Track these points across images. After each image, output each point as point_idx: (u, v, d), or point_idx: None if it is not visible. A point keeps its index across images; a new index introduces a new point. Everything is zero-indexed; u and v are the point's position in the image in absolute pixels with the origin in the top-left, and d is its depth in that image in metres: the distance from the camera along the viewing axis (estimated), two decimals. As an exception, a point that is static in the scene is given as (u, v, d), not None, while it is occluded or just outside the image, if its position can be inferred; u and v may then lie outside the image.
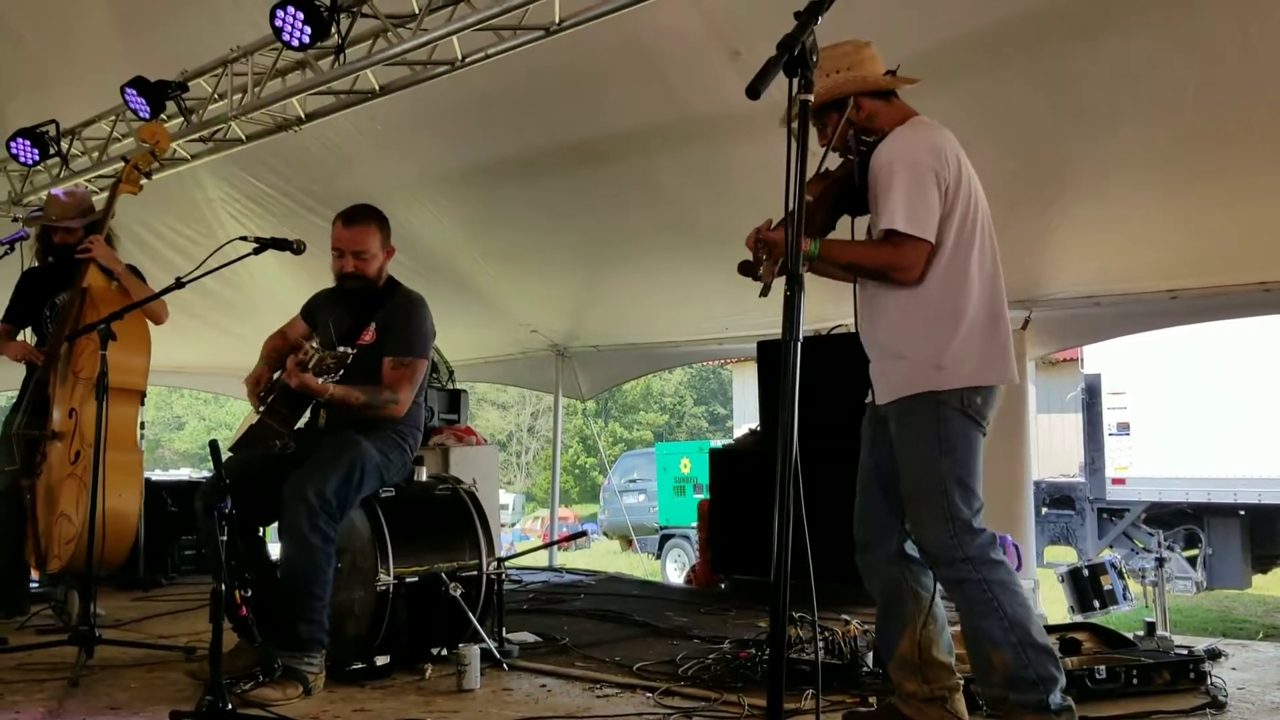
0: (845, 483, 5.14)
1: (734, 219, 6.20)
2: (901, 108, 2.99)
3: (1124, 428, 10.38)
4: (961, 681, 2.97)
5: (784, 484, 1.86)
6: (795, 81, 1.93)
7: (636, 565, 12.77)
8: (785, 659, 2.00)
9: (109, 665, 4.00)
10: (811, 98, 1.94)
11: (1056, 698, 2.68)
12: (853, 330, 5.73)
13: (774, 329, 6.94)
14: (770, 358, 5.89)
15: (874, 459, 3.06)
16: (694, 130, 5.53)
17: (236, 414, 34.34)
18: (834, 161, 3.03)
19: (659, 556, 15.82)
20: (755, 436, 6.06)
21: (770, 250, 2.69)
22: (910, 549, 2.97)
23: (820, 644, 3.63)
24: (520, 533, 22.86)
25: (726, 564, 6.01)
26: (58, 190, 5.43)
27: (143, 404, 5.17)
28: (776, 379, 6.25)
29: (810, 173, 2.80)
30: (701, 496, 14.27)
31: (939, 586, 2.93)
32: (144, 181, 5.18)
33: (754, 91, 1.84)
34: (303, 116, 5.58)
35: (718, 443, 8.57)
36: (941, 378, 2.79)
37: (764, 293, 2.69)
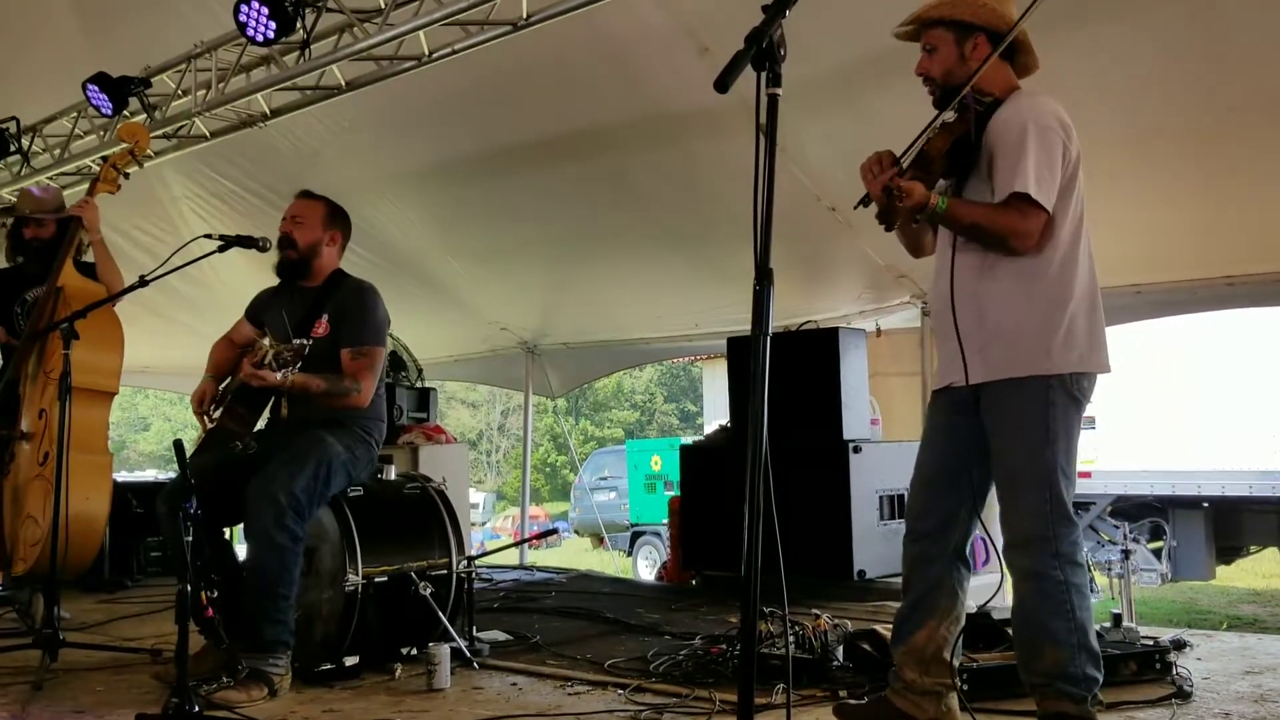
0: (815, 475, 5.22)
1: (702, 215, 6.27)
2: (1007, 74, 2.91)
3: (1089, 421, 10.47)
4: (956, 682, 2.98)
5: (754, 474, 1.86)
6: (763, 75, 1.93)
7: (608, 563, 12.76)
8: (756, 653, 1.99)
9: (74, 668, 3.95)
10: (780, 91, 1.93)
11: (1095, 696, 2.72)
12: (821, 326, 5.85)
13: (744, 325, 6.92)
14: (740, 353, 5.90)
15: (946, 447, 2.96)
16: (663, 127, 5.53)
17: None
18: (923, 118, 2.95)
19: (630, 554, 15.82)
20: (726, 432, 6.06)
21: (906, 199, 2.65)
22: (966, 549, 2.97)
23: (790, 638, 3.63)
24: (491, 531, 22.79)
25: (697, 560, 6.01)
26: (32, 187, 5.36)
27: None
28: (746, 374, 6.26)
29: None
30: (673, 493, 14.30)
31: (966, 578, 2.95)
32: (121, 181, 5.13)
33: (722, 85, 1.84)
34: (268, 113, 5.54)
35: (689, 440, 8.58)
36: (1053, 361, 2.73)
37: (890, 227, 2.75)
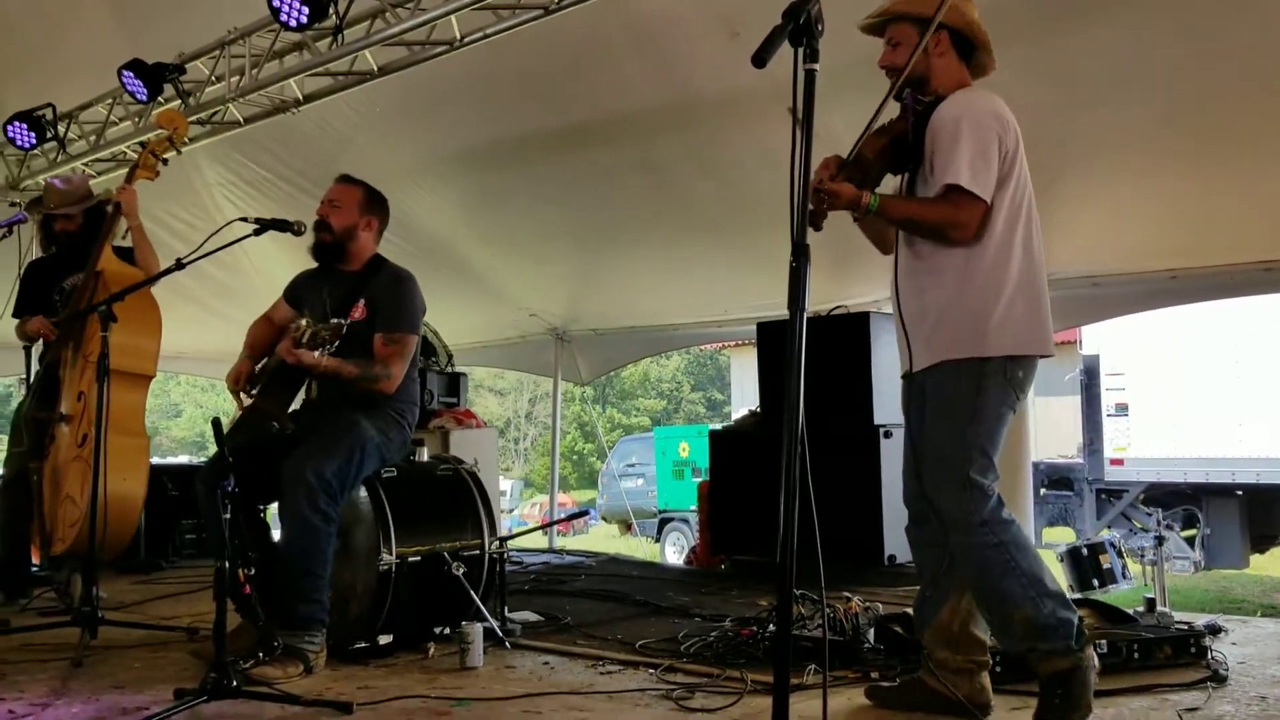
0: (846, 461, 5.21)
1: (733, 201, 6.26)
2: (960, 72, 2.98)
3: (1122, 409, 10.39)
4: (990, 660, 2.99)
5: (790, 449, 1.86)
6: (800, 51, 1.93)
7: (636, 548, 12.80)
8: (791, 632, 2.00)
9: (112, 646, 4.01)
10: (817, 67, 1.93)
11: (1079, 632, 2.76)
12: (851, 311, 5.83)
13: (773, 310, 6.95)
14: (771, 338, 5.90)
15: (915, 432, 3.04)
16: (692, 112, 5.53)
17: (233, 401, 34.29)
18: (884, 114, 3.00)
19: (658, 540, 15.84)
20: (755, 418, 6.06)
21: (833, 201, 2.75)
22: None
23: (822, 621, 3.64)
24: (519, 518, 22.87)
25: (727, 545, 6.03)
26: (54, 179, 5.41)
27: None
28: (777, 359, 6.26)
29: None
30: (700, 480, 14.32)
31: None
32: (160, 167, 5.18)
33: (760, 60, 1.84)
34: (300, 98, 5.57)
35: (712, 426, 8.58)
36: (986, 344, 2.81)
37: (817, 228, 2.77)
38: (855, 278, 6.62)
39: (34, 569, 5.59)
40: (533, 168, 6.52)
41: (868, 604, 3.88)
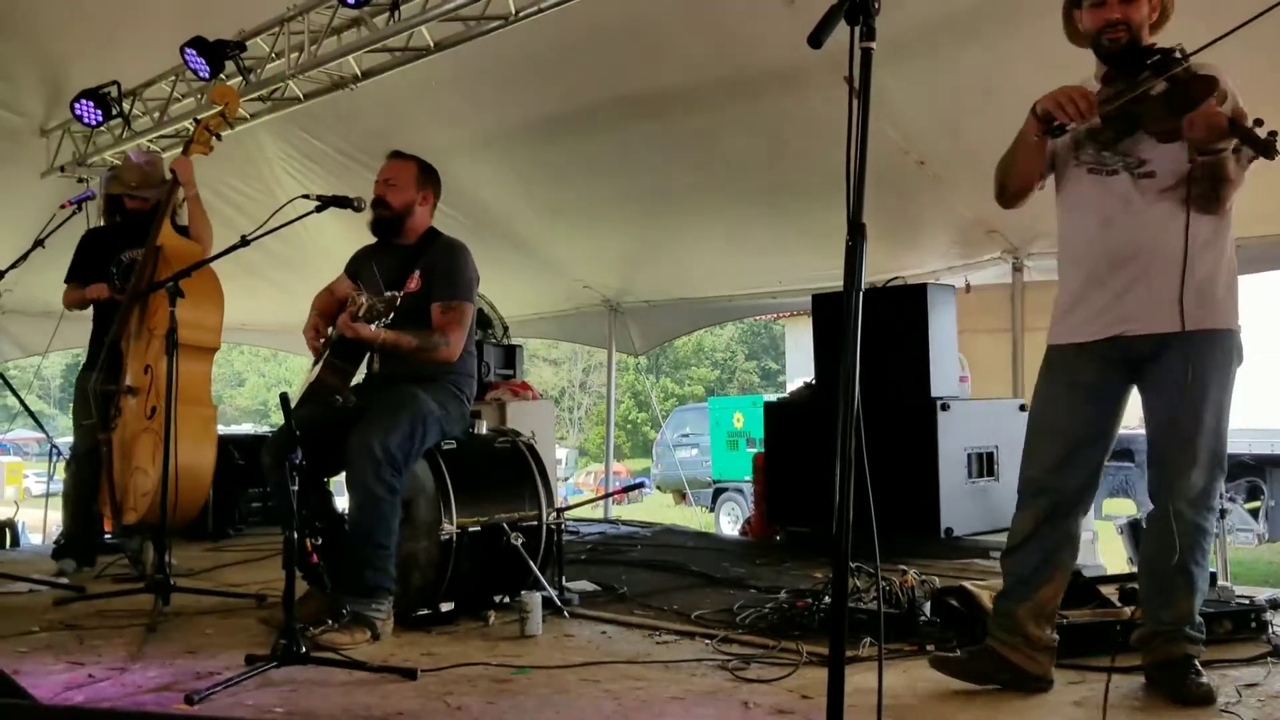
0: (903, 433, 5.19)
1: (786, 172, 6.23)
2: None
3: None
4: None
5: (846, 431, 1.88)
6: (857, 29, 1.93)
7: (690, 518, 12.86)
8: (847, 605, 2.02)
9: (184, 613, 4.14)
10: (874, 45, 1.92)
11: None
12: (909, 283, 5.79)
13: (828, 281, 6.93)
14: (826, 310, 5.88)
15: (1099, 402, 2.95)
16: (746, 83, 5.50)
17: (295, 370, 34.94)
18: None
19: (713, 510, 15.91)
20: (810, 390, 6.06)
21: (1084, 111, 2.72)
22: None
23: (877, 593, 3.65)
24: (573, 487, 23.07)
25: (782, 516, 6.05)
26: (138, 158, 5.51)
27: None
28: (832, 331, 6.24)
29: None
30: (755, 450, 14.32)
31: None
32: (214, 142, 5.27)
33: (816, 41, 1.84)
34: (358, 74, 5.63)
35: (767, 397, 8.59)
36: (1237, 316, 2.84)
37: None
38: (912, 249, 6.58)
39: (105, 537, 5.77)
40: (587, 141, 6.53)
41: (924, 577, 3.88)
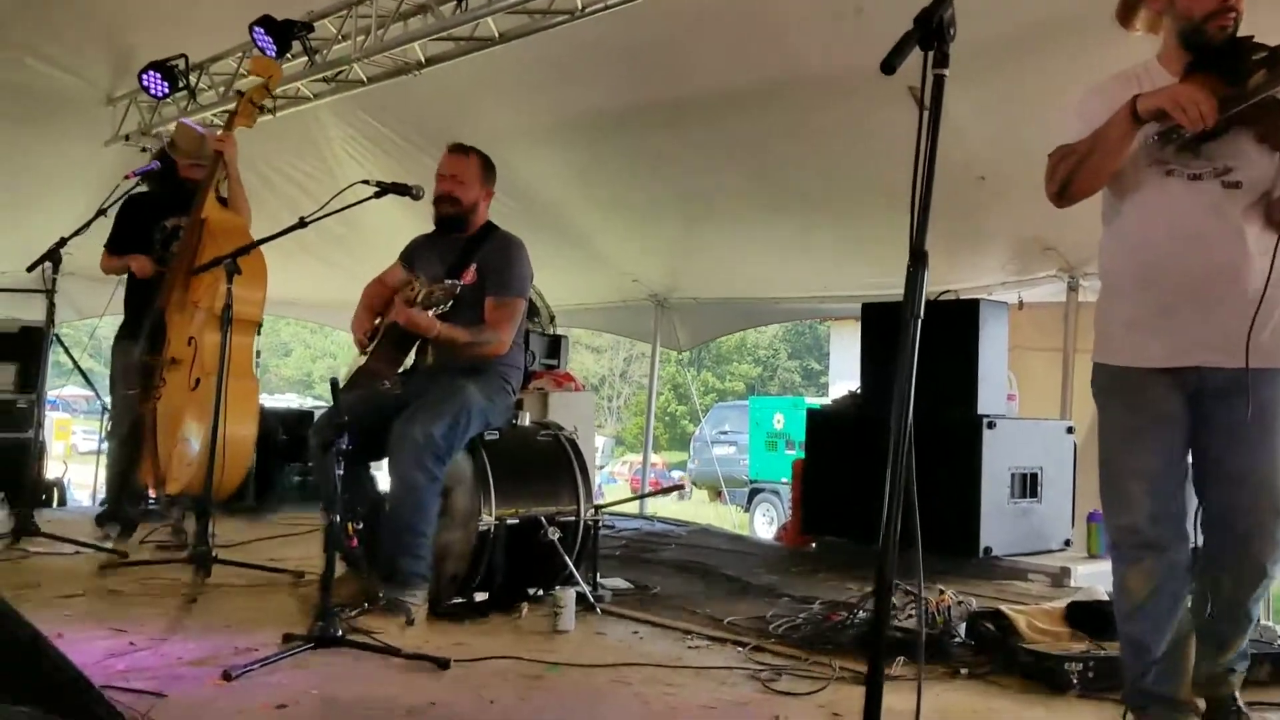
0: (946, 450, 5.14)
1: (836, 180, 6.21)
2: None
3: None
4: None
5: (896, 454, 1.86)
6: (930, 55, 1.90)
7: (725, 517, 12.84)
8: (886, 624, 2.00)
9: (223, 585, 4.20)
10: (946, 72, 1.90)
11: None
12: (961, 298, 5.73)
13: (877, 290, 6.86)
14: (876, 320, 5.83)
15: (1178, 437, 2.62)
16: (800, 88, 5.50)
17: (340, 342, 35.28)
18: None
19: (748, 510, 15.87)
20: (855, 399, 6.02)
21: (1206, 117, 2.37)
22: None
23: (911, 612, 3.63)
24: (609, 475, 23.13)
25: (818, 525, 6.01)
26: (197, 126, 5.58)
27: (258, 333, 5.38)
28: (881, 342, 6.16)
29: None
30: (794, 454, 14.25)
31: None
32: (261, 117, 5.31)
33: (889, 67, 1.82)
34: (423, 61, 5.66)
35: (812, 399, 8.52)
36: None
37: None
38: (967, 262, 6.52)
39: (147, 505, 5.87)
40: (643, 137, 6.54)
41: (960, 598, 3.85)
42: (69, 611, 3.67)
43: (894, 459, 1.85)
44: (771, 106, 5.75)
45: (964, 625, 3.66)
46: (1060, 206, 2.71)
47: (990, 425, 5.21)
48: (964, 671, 3.35)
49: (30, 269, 5.03)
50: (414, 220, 6.65)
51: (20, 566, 4.45)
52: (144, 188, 5.51)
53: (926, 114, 1.88)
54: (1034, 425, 5.57)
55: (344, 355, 35.45)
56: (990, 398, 5.35)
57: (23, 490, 5.39)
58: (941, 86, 1.91)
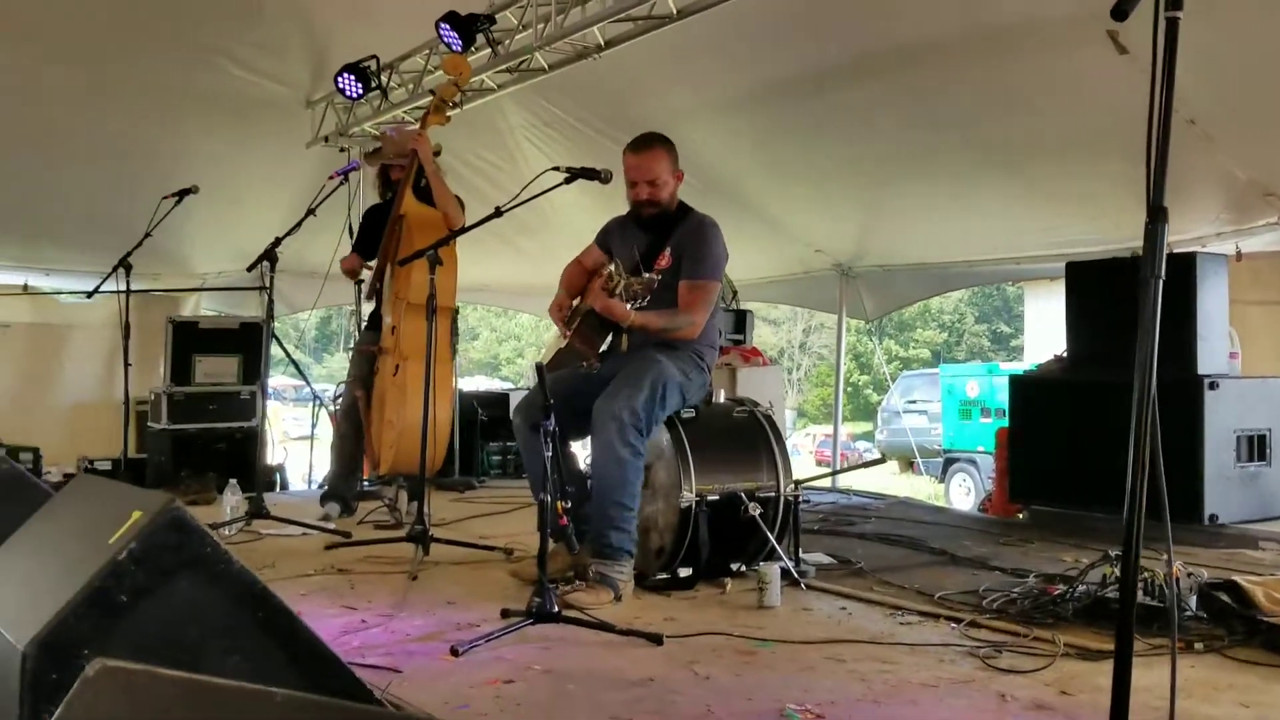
0: (1165, 412, 4.82)
1: (1035, 132, 5.92)
2: None
3: None
4: None
5: (1140, 425, 1.77)
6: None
7: (918, 488, 12.57)
8: (1134, 597, 1.91)
9: (440, 562, 4.39)
10: (1180, 14, 1.78)
11: None
12: (1174, 251, 5.39)
13: (1079, 246, 6.55)
14: (1082, 279, 5.56)
15: None
16: (993, 38, 5.26)
17: (524, 325, 36.24)
18: None
19: (942, 480, 15.47)
20: (1061, 363, 5.76)
21: None
22: None
23: (1139, 585, 3.45)
24: (793, 448, 22.95)
25: (1026, 493, 5.80)
26: (390, 130, 5.86)
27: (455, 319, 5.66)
28: (1090, 302, 5.89)
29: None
30: (990, 422, 13.81)
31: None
32: (451, 112, 5.51)
33: (1120, 13, 1.72)
34: (602, 44, 5.70)
35: (1006, 365, 8.19)
36: None
37: None
38: (1178, 213, 6.11)
39: (364, 484, 6.22)
40: (824, 101, 6.41)
41: (1189, 570, 3.64)
42: (304, 590, 3.90)
43: (1137, 426, 1.76)
44: (956, 58, 5.53)
45: (1195, 598, 3.46)
46: None
47: (1212, 386, 4.91)
48: (1199, 646, 3.18)
49: (250, 269, 5.36)
50: (593, 201, 6.76)
51: (255, 549, 4.76)
52: (378, 198, 5.97)
53: (1160, 64, 1.76)
54: (1261, 384, 5.23)
55: (528, 337, 36.42)
56: (1211, 356, 5.04)
57: (252, 476, 5.76)
58: (1175, 31, 1.78)
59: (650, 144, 4.19)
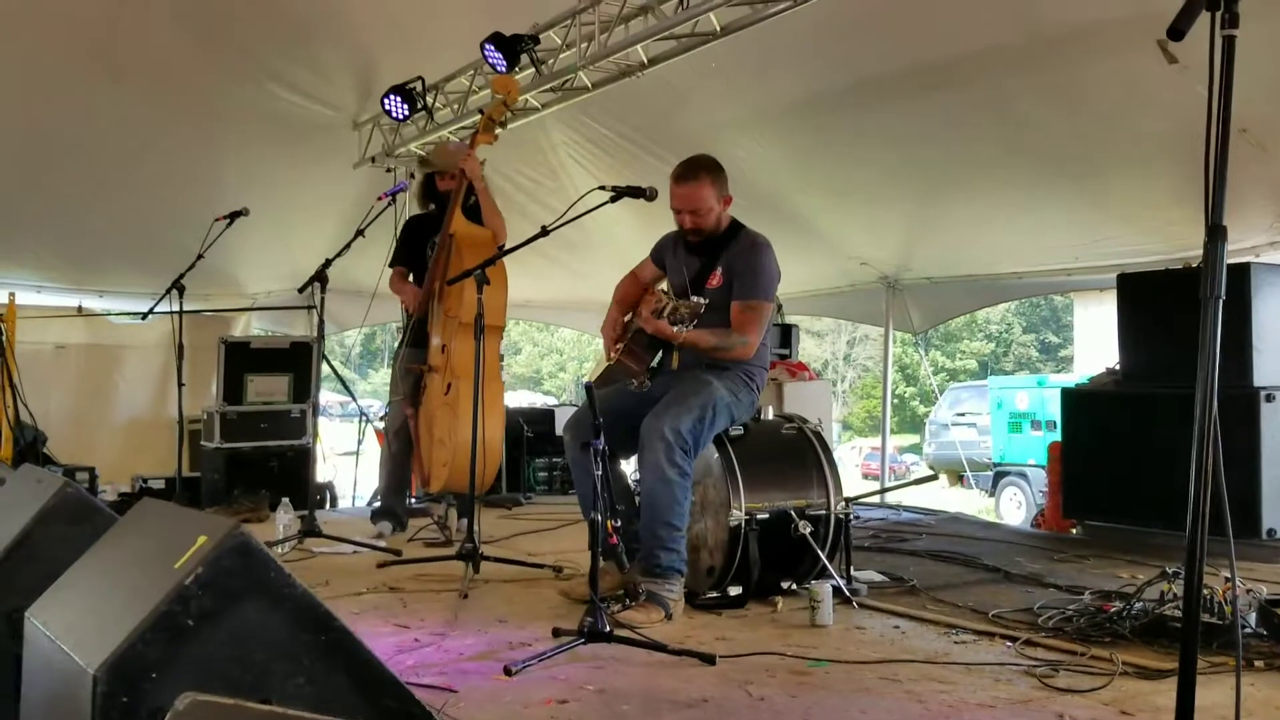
0: (1221, 425, 4.76)
1: (1088, 140, 5.86)
2: None
3: None
4: None
5: (1202, 443, 1.75)
6: (1218, 16, 1.77)
7: (968, 502, 12.42)
8: (1198, 616, 1.88)
9: (491, 580, 4.40)
10: (1236, 33, 1.76)
11: None
12: (1229, 262, 5.31)
13: (1134, 258, 6.45)
14: (1134, 291, 5.49)
15: None
16: (1044, 46, 5.22)
17: (566, 340, 36.37)
18: None
19: (993, 494, 15.28)
20: (1114, 376, 5.69)
21: None
22: None
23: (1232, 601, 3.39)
24: (837, 461, 22.75)
25: (1080, 509, 5.73)
26: (450, 143, 5.92)
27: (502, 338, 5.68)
28: (1143, 316, 5.81)
29: None
30: (1040, 435, 13.63)
31: None
32: (499, 131, 5.56)
33: (1176, 33, 1.70)
34: (645, 62, 5.74)
35: (1052, 377, 8.06)
36: None
37: None
38: (1232, 222, 6.02)
39: (413, 502, 6.26)
40: (868, 113, 6.39)
41: (1249, 586, 3.58)
42: (357, 610, 3.93)
43: (1199, 444, 1.74)
44: (1007, 68, 5.50)
45: (1254, 614, 3.40)
46: None
47: (1269, 398, 4.84)
48: (1259, 663, 3.12)
49: (301, 290, 5.43)
50: (635, 216, 6.78)
51: (309, 566, 4.81)
52: (418, 209, 5.94)
53: (1218, 82, 1.74)
54: (1320, 396, 5.11)
55: (570, 351, 36.52)
56: (1268, 368, 4.96)
57: (304, 493, 5.83)
58: (1232, 50, 1.76)
59: (695, 174, 4.11)
